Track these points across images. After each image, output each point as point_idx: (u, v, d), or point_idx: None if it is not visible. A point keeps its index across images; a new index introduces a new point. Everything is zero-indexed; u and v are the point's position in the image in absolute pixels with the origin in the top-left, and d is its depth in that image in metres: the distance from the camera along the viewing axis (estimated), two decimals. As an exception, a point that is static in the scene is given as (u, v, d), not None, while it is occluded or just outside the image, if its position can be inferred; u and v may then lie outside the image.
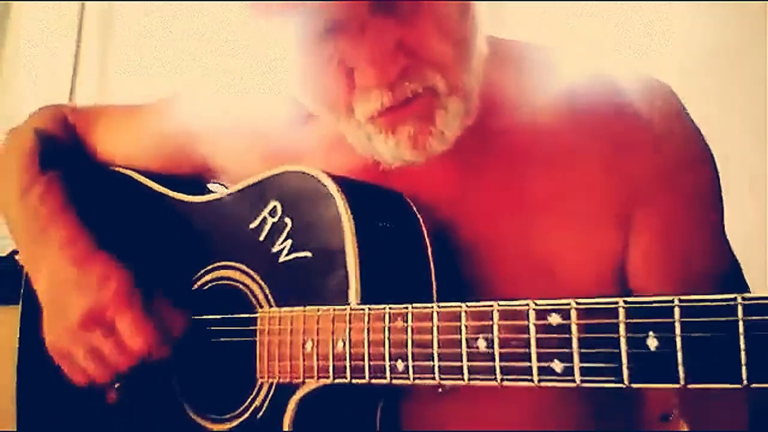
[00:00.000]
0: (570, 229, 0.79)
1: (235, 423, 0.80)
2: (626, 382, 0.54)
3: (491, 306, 0.61)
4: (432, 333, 0.64)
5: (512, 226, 0.80)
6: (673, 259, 0.78)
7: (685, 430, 0.98)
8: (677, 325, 0.52)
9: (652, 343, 0.53)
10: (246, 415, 0.79)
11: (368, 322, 0.69)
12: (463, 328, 0.62)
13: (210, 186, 1.01)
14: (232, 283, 0.84)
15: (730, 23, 1.46)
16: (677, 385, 0.52)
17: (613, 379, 0.54)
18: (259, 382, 0.79)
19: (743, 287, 0.80)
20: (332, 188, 0.75)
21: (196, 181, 0.99)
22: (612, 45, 1.47)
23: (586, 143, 0.80)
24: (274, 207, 0.79)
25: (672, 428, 0.92)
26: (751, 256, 0.78)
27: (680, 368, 0.52)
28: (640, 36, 1.50)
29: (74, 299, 0.84)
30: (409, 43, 0.70)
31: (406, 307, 0.66)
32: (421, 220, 0.79)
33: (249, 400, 0.79)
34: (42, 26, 1.97)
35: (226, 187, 1.00)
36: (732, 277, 0.79)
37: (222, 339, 0.83)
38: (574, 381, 0.56)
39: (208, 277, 0.86)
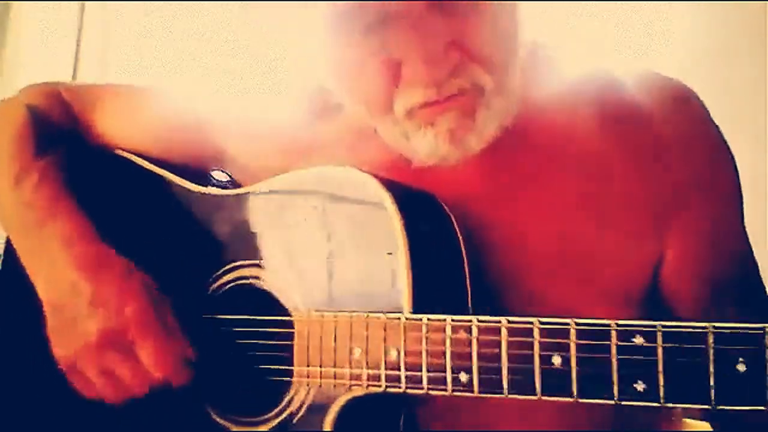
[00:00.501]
0: (604, 232, 0.80)
1: (268, 426, 0.79)
2: (713, 404, 0.56)
3: (567, 324, 0.61)
4: (500, 347, 0.64)
5: (545, 227, 0.81)
6: (708, 261, 0.80)
7: (685, 430, 1.03)
8: (767, 351, 0.54)
9: (741, 367, 0.54)
10: (281, 418, 0.78)
11: (426, 332, 0.68)
12: (536, 344, 0.62)
13: (214, 174, 0.97)
14: (259, 283, 0.81)
15: (730, 23, 1.49)
16: (764, 407, 0.54)
17: (700, 400, 0.56)
18: (294, 386, 0.77)
19: (762, 286, 0.84)
20: (381, 192, 0.73)
21: (200, 170, 0.94)
22: (612, 45, 1.48)
23: (619, 147, 0.81)
24: (315, 207, 0.77)
25: (671, 428, 0.96)
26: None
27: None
28: (640, 36, 1.52)
29: (89, 314, 0.79)
30: (462, 41, 0.69)
31: (470, 320, 0.66)
32: (454, 222, 0.79)
33: (283, 403, 0.78)
34: (42, 26, 1.92)
35: (230, 176, 0.96)
36: (754, 275, 0.82)
37: (252, 341, 0.81)
38: (658, 401, 0.58)
39: (233, 275, 0.83)
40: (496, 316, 0.65)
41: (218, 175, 0.97)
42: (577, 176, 0.81)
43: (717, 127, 0.84)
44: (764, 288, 0.83)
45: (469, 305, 0.76)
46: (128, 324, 0.78)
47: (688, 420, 1.06)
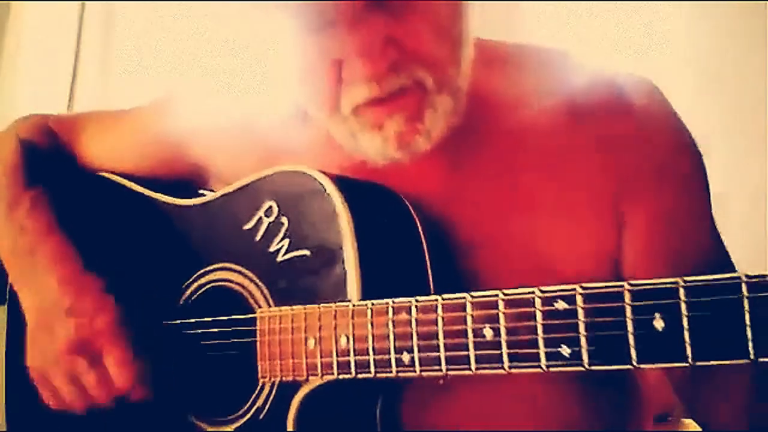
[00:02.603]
0: (566, 227, 0.80)
1: (237, 424, 0.80)
2: (635, 363, 0.55)
3: (496, 295, 0.61)
4: (437, 324, 0.65)
5: (506, 224, 0.81)
6: (666, 252, 0.79)
7: (685, 430, 1.00)
8: (683, 305, 0.53)
9: (659, 324, 0.54)
10: (248, 416, 0.79)
11: (371, 317, 0.69)
12: (469, 318, 0.63)
13: (201, 191, 1.00)
14: (228, 284, 0.84)
15: (730, 23, 1.47)
16: (685, 364, 0.53)
17: (621, 360, 0.55)
18: (260, 383, 0.79)
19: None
20: (329, 186, 0.75)
21: (188, 186, 0.98)
22: (612, 45, 1.48)
23: (578, 141, 0.81)
24: (270, 207, 0.80)
25: (671, 428, 0.93)
26: (752, 258, 0.79)
27: (687, 347, 0.53)
28: (640, 36, 1.51)
29: (62, 323, 0.84)
30: (399, 38, 0.71)
31: (410, 301, 0.67)
32: (416, 218, 0.80)
33: (251, 400, 0.79)
34: (42, 26, 1.95)
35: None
36: (723, 265, 0.80)
37: (221, 341, 0.83)
38: (582, 365, 0.57)
39: (204, 280, 0.86)
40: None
41: (205, 193, 1.01)
42: (537, 171, 0.81)
43: (680, 119, 0.83)
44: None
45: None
46: (99, 334, 0.83)
47: (686, 420, 1.02)
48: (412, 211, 0.80)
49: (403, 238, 0.78)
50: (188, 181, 0.98)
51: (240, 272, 0.82)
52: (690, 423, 0.98)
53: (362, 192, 0.78)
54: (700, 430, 0.88)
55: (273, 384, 0.77)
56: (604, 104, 0.82)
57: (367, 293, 0.71)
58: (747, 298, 0.51)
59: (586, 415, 0.82)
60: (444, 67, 0.74)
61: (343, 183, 0.76)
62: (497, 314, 0.61)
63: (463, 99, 0.77)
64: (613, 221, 0.80)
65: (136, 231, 0.95)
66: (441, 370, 0.64)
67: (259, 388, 0.79)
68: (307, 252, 0.76)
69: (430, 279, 0.77)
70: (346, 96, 0.73)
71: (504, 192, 0.82)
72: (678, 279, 0.53)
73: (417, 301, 0.66)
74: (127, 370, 0.82)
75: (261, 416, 0.78)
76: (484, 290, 0.76)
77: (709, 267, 0.80)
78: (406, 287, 0.75)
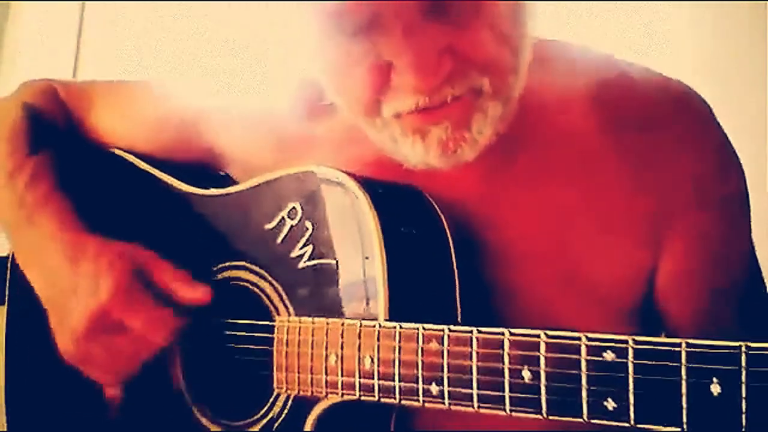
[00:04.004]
0: (601, 238, 0.76)
1: (250, 430, 0.77)
2: (685, 427, 0.52)
3: (538, 336, 0.58)
4: (471, 359, 0.61)
5: (539, 232, 0.77)
6: (702, 276, 0.76)
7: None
8: (743, 372, 0.50)
9: (716, 389, 0.51)
10: (262, 424, 0.77)
11: (399, 341, 0.66)
12: (506, 356, 0.59)
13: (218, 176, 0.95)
14: (245, 284, 0.80)
15: (730, 23, 1.45)
16: (739, 433, 0.50)
17: (671, 422, 0.52)
18: (275, 391, 0.76)
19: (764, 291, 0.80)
20: (359, 195, 0.71)
21: (202, 171, 0.93)
22: (612, 45, 1.45)
23: (618, 153, 0.77)
24: (293, 208, 0.75)
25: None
26: None
27: (743, 416, 0.50)
28: (640, 36, 1.48)
29: (74, 304, 0.79)
30: (458, 47, 0.65)
31: (442, 329, 0.63)
32: (445, 223, 0.76)
33: (265, 408, 0.77)
34: (42, 26, 1.93)
35: (230, 177, 0.95)
36: (757, 281, 0.78)
37: (235, 345, 0.80)
38: (628, 421, 0.54)
39: (220, 276, 0.82)
40: (495, 327, 0.61)
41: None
42: (575, 180, 0.78)
43: (721, 129, 0.79)
44: (766, 292, 0.78)
45: (458, 312, 0.73)
46: (109, 303, 0.78)
47: None
48: (443, 219, 0.76)
49: (431, 247, 0.74)
50: (204, 165, 0.94)
51: (258, 273, 0.78)
52: None
53: (394, 201, 0.73)
54: None
55: (288, 396, 0.75)
56: (647, 115, 0.77)
57: (393, 309, 0.68)
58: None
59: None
60: (504, 72, 0.69)
61: (373, 191, 0.71)
62: (538, 357, 0.58)
63: (515, 106, 0.72)
64: (650, 237, 0.76)
65: (148, 216, 0.90)
66: (472, 406, 0.61)
67: (274, 396, 0.76)
68: (331, 262, 0.72)
69: (457, 289, 0.74)
70: (390, 102, 0.69)
71: (540, 200, 0.78)
72: (741, 344, 0.50)
73: (450, 330, 0.63)
74: (158, 323, 0.78)
75: (275, 426, 0.75)
76: (512, 301, 0.75)
77: (745, 285, 0.78)
78: (431, 297, 0.72)
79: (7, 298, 0.92)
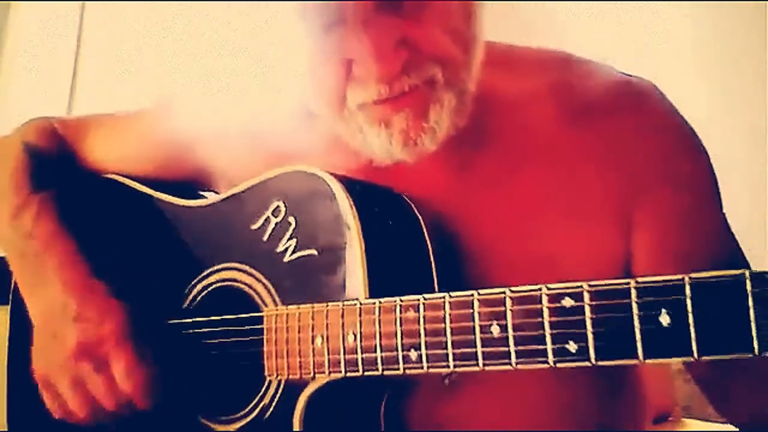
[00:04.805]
0: (570, 228, 0.80)
1: (242, 423, 0.81)
2: (641, 358, 0.56)
3: (503, 292, 0.62)
4: (444, 321, 0.66)
5: (511, 225, 0.81)
6: (676, 253, 0.79)
7: (685, 429, 1.01)
8: (688, 301, 0.54)
9: (665, 319, 0.55)
10: (254, 414, 0.80)
11: (379, 314, 0.70)
12: (476, 315, 0.64)
13: (201, 193, 1.01)
14: (235, 284, 0.84)
15: (730, 23, 1.48)
16: (690, 358, 0.54)
17: (628, 355, 0.56)
18: (267, 381, 0.79)
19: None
20: (336, 187, 0.76)
21: (193, 187, 0.99)
22: (612, 45, 1.49)
23: (583, 142, 0.82)
24: (277, 207, 0.81)
25: (671, 428, 0.94)
26: (752, 256, 0.80)
27: (693, 342, 0.54)
28: (640, 36, 1.52)
29: (69, 328, 0.84)
30: (412, 39, 0.72)
31: (418, 299, 0.68)
32: (420, 219, 0.81)
33: (257, 399, 0.80)
34: (42, 26, 1.95)
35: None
36: (736, 263, 0.81)
37: (227, 340, 0.84)
38: (589, 360, 0.58)
39: (211, 279, 0.87)
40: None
41: (208, 194, 1.01)
42: (541, 173, 0.82)
43: (684, 119, 0.84)
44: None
45: (435, 288, 0.77)
46: (106, 339, 0.83)
47: (686, 420, 1.03)
48: (417, 213, 0.81)
49: (408, 239, 0.79)
50: (193, 183, 0.99)
51: (246, 272, 0.83)
52: (690, 423, 1.00)
53: (369, 193, 0.79)
54: (700, 430, 0.89)
55: (279, 382, 0.78)
56: (608, 105, 0.83)
57: (374, 293, 0.72)
58: (751, 293, 0.52)
59: (587, 415, 0.83)
60: (456, 67, 0.75)
61: (350, 184, 0.77)
62: (504, 311, 0.62)
63: (470, 101, 0.78)
64: (622, 222, 0.81)
65: (143, 232, 0.95)
66: (448, 366, 0.65)
67: (265, 386, 0.80)
68: (314, 252, 0.77)
69: (435, 279, 0.79)
70: (353, 93, 0.75)
71: (510, 193, 0.83)
72: (683, 275, 0.55)
73: (425, 298, 0.67)
74: (134, 377, 0.82)
75: (266, 414, 0.79)
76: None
77: (723, 266, 0.81)
78: (411, 287, 0.76)
79: (10, 299, 0.96)
